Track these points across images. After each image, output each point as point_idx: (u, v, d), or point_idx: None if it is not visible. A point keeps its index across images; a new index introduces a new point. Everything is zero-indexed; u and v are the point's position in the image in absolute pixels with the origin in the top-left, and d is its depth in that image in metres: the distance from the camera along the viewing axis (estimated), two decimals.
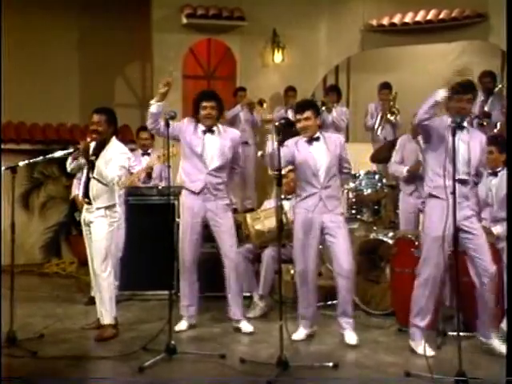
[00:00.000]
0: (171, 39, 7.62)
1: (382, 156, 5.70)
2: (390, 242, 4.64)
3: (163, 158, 4.95)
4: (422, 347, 3.63)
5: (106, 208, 4.14)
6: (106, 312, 4.14)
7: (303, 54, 7.94)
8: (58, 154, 4.14)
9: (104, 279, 4.11)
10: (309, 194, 4.05)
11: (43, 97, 7.46)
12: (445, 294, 3.89)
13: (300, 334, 4.12)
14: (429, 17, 7.54)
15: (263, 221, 4.76)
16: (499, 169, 4.18)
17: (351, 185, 5.26)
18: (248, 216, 4.91)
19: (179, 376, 3.46)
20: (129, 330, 4.34)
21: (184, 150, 4.32)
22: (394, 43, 7.82)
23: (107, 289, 4.12)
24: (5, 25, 7.07)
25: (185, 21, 7.61)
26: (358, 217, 5.24)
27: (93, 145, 4.24)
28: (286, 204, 4.94)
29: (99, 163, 4.12)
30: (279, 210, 4.07)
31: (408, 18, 7.64)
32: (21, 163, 4.04)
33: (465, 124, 3.67)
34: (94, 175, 4.09)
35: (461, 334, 3.36)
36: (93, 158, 4.12)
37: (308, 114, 4.03)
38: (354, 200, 5.25)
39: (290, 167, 4.42)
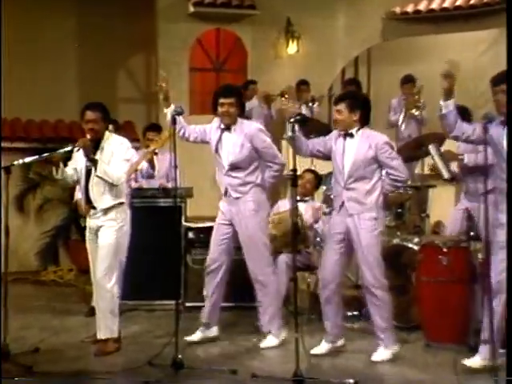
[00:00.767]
0: (177, 29, 7.65)
1: (406, 155, 5.63)
2: (416, 248, 4.57)
3: (160, 141, 4.91)
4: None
5: (113, 208, 4.13)
6: (107, 326, 4.11)
7: (319, 44, 7.92)
8: (57, 152, 4.12)
9: (108, 290, 4.08)
10: (335, 193, 4.04)
11: (40, 91, 7.51)
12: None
13: (321, 348, 4.07)
14: (458, 2, 7.46)
15: (277, 224, 4.74)
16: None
17: None
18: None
19: None
20: (132, 344, 4.32)
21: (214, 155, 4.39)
22: (418, 32, 7.77)
23: (110, 300, 4.09)
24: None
25: (192, 9, 7.63)
26: None
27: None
28: (302, 206, 4.93)
29: (101, 161, 4.12)
30: (294, 212, 4.05)
31: (435, 5, 7.58)
32: (16, 163, 4.02)
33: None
34: (98, 174, 4.08)
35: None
36: (93, 156, 4.10)
37: (341, 106, 3.96)
38: None
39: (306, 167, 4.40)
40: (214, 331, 4.39)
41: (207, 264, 4.35)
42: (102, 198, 4.14)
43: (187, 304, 5.09)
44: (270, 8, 7.74)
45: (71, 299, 5.75)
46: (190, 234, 5.30)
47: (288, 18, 7.83)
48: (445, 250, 4.17)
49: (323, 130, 5.09)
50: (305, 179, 5.13)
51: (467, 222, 4.37)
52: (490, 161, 3.53)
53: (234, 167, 4.25)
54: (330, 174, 4.40)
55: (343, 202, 3.95)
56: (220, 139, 4.28)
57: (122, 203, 4.17)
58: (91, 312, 4.68)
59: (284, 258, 4.75)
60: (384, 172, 3.99)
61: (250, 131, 4.27)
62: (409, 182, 5.21)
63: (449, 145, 4.94)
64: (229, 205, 4.27)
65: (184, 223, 5.24)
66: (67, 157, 4.19)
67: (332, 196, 4.15)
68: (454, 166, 4.88)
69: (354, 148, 3.95)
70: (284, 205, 5.12)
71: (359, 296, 4.46)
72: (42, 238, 7.30)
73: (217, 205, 4.43)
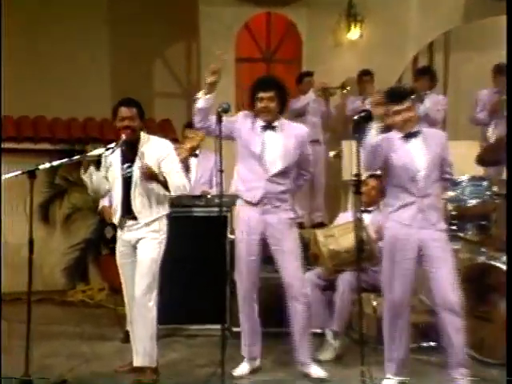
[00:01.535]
0: (222, 13, 7.73)
1: (492, 157, 5.50)
2: (504, 267, 4.47)
3: (198, 138, 5.07)
4: None
5: (157, 220, 4.20)
6: (146, 352, 4.14)
7: (386, 28, 7.82)
8: (87, 155, 4.16)
9: (149, 310, 4.11)
10: (404, 203, 3.97)
11: (66, 87, 7.70)
12: None
13: (387, 383, 4.05)
14: None
15: (338, 238, 4.76)
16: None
17: (451, 193, 5.12)
18: (318, 232, 4.91)
19: None
20: (172, 374, 4.35)
21: (240, 152, 4.35)
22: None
23: (150, 323, 4.12)
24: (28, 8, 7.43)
25: None
26: (461, 235, 5.04)
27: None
28: (367, 217, 4.90)
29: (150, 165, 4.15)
30: (358, 224, 4.04)
31: None
32: (41, 166, 4.06)
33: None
34: (173, 193, 4.14)
35: None
36: (141, 160, 4.12)
37: (409, 103, 3.97)
38: (454, 213, 5.09)
39: (373, 172, 4.38)
40: (258, 360, 4.45)
41: (239, 287, 4.36)
42: (147, 210, 4.19)
43: (234, 329, 5.08)
44: None
45: (103, 322, 5.83)
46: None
47: None
48: None
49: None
50: (369, 186, 5.08)
51: None
52: None
53: (282, 173, 4.29)
54: None
55: (419, 212, 3.92)
56: (261, 138, 4.29)
57: (163, 214, 4.25)
58: (126, 337, 4.74)
59: (346, 278, 4.73)
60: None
61: (300, 133, 4.36)
62: (494, 189, 5.11)
63: None
64: (262, 214, 4.27)
65: (229, 236, 5.24)
66: (98, 160, 4.25)
67: (397, 206, 4.06)
68: None
69: (423, 148, 3.97)
70: (345, 217, 5.09)
71: (435, 323, 4.37)
72: (70, 252, 7.45)
73: None
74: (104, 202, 5.34)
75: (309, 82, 7.42)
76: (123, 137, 4.14)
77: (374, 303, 4.89)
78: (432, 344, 4.71)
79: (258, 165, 4.28)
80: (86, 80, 7.77)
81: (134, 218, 4.19)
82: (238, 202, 4.39)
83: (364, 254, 4.35)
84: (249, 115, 4.36)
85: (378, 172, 5.31)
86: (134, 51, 7.91)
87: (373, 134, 3.91)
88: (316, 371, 4.29)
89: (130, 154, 4.20)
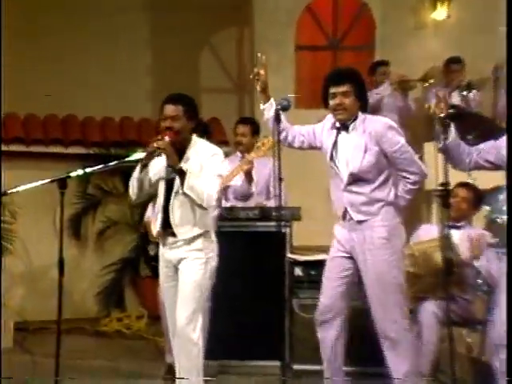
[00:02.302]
0: None
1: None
2: None
3: (264, 148, 5.00)
4: None
5: (200, 236, 4.21)
6: None
7: (479, 7, 7.69)
8: (126, 160, 4.18)
9: (194, 343, 4.12)
10: None
11: (100, 84, 7.83)
12: None
13: None
14: None
15: (418, 259, 4.69)
16: None
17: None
18: None
19: None
20: None
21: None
22: None
23: (196, 357, 4.13)
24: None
25: None
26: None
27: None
28: (455, 234, 4.79)
29: (188, 174, 4.14)
30: (445, 242, 3.95)
31: None
32: (72, 174, 4.07)
33: None
34: (185, 189, 4.15)
35: None
36: (179, 165, 4.12)
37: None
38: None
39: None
40: None
41: (319, 312, 4.35)
42: (186, 225, 4.20)
43: (295, 366, 5.07)
44: None
45: (142, 356, 5.87)
46: (297, 271, 5.29)
47: None
48: None
49: (486, 127, 4.92)
50: (459, 197, 4.96)
51: None
52: None
53: (357, 179, 4.24)
54: (497, 189, 4.25)
55: None
56: (335, 142, 4.30)
57: (209, 231, 4.26)
58: (169, 373, 4.77)
59: (431, 308, 4.62)
60: None
61: (375, 129, 4.25)
62: None
63: None
64: (349, 231, 4.27)
65: (289, 255, 5.25)
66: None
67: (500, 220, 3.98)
68: None
69: None
70: (428, 231, 4.99)
71: None
72: (104, 273, 7.53)
73: (332, 231, 4.42)
74: (150, 214, 5.39)
75: (383, 73, 7.32)
76: (166, 138, 4.14)
77: (469, 340, 4.79)
78: None
79: (335, 173, 4.31)
80: (121, 75, 7.90)
81: (173, 235, 4.22)
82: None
83: (453, 279, 4.25)
84: (331, 117, 4.37)
85: (469, 180, 5.22)
86: (177, 41, 8.04)
87: (453, 133, 3.81)
88: None
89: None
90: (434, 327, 4.58)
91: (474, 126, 5.11)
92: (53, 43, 7.65)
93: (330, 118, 4.36)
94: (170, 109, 4.19)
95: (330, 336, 4.30)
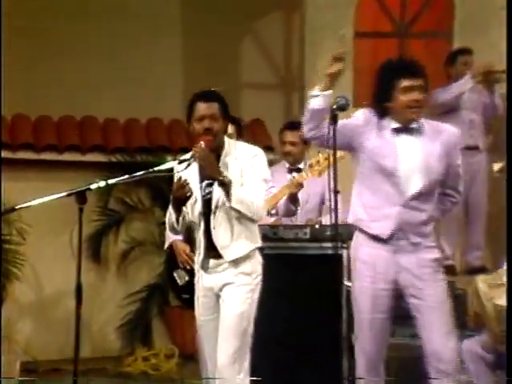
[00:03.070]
0: None
1: None
2: None
3: (319, 168, 4.98)
4: None
5: (248, 258, 4.22)
6: None
7: None
8: (154, 170, 4.12)
9: None
10: None
11: (123, 79, 7.83)
12: None
13: None
14: None
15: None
16: None
17: None
18: (480, 281, 4.81)
19: None
20: None
21: (362, 166, 4.32)
22: None
23: None
24: None
25: None
26: None
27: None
28: None
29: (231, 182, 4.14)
30: None
31: None
32: (93, 186, 4.05)
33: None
34: (233, 204, 4.07)
35: None
36: (224, 176, 4.10)
37: None
38: None
39: None
40: None
41: (364, 369, 4.31)
42: (232, 243, 4.20)
43: None
44: None
45: None
46: None
47: None
48: None
49: None
50: None
51: None
52: None
53: (423, 194, 4.24)
54: None
55: None
56: (394, 146, 4.28)
57: (255, 249, 4.28)
58: None
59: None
60: None
61: (448, 138, 4.30)
62: None
63: None
64: (394, 254, 4.25)
65: (347, 283, 5.11)
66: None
67: None
68: None
69: None
70: None
71: None
72: (128, 303, 7.54)
73: None
74: (176, 236, 5.32)
75: (465, 63, 7.13)
76: (202, 144, 4.13)
77: None
78: None
79: (388, 184, 4.23)
80: (147, 70, 7.92)
81: (218, 256, 4.22)
82: (357, 238, 4.36)
83: None
84: (373, 114, 4.31)
85: None
86: (212, 29, 8.05)
87: None
88: None
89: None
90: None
91: None
92: (68, 38, 7.74)
93: (366, 116, 4.29)
94: (206, 107, 4.20)
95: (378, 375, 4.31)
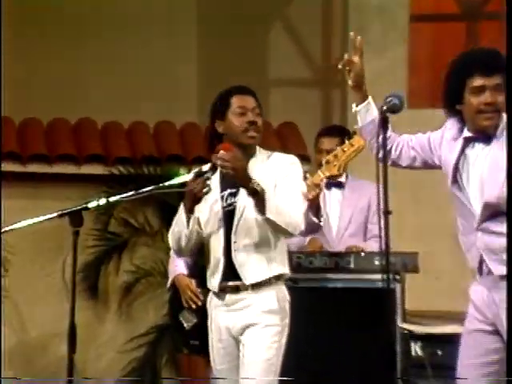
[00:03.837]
0: None
1: None
2: None
3: (338, 163, 5.04)
4: None
5: (274, 288, 4.24)
6: None
7: None
8: (167, 185, 4.19)
9: None
10: None
11: (126, 74, 7.93)
12: None
13: None
14: None
15: None
16: None
17: None
18: None
19: None
20: None
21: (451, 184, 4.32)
22: None
23: None
24: None
25: None
26: None
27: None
28: None
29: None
30: None
31: None
32: (91, 204, 4.10)
33: None
34: (269, 215, 4.09)
35: None
36: (256, 183, 4.11)
37: None
38: None
39: None
40: None
41: None
42: (256, 262, 4.25)
43: None
44: None
45: None
46: (415, 348, 5.25)
47: None
48: None
49: None
50: None
51: None
52: None
53: (495, 213, 4.20)
54: None
55: None
56: (465, 159, 4.26)
57: (281, 276, 4.30)
58: None
59: None
60: None
61: None
62: None
63: None
64: (489, 291, 4.22)
65: (401, 324, 5.22)
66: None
67: None
68: None
69: None
70: None
71: None
72: (132, 348, 7.57)
73: (465, 289, 4.38)
74: (178, 268, 5.44)
75: None
76: (223, 153, 4.11)
77: None
78: None
79: (464, 205, 4.24)
80: (155, 64, 7.98)
81: (237, 290, 4.24)
82: None
83: None
84: (456, 121, 4.28)
85: None
86: (234, 13, 8.12)
87: None
88: None
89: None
90: None
91: None
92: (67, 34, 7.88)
93: (450, 125, 4.30)
94: (248, 100, 4.33)
95: None
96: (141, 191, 4.20)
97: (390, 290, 4.97)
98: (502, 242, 4.16)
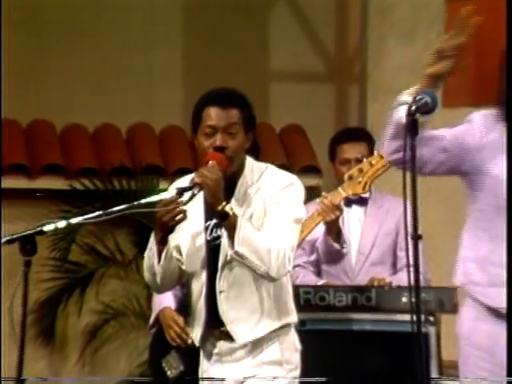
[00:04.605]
0: None
1: None
2: None
3: (363, 180, 5.14)
4: None
5: (277, 338, 4.26)
6: None
7: None
8: (139, 203, 4.11)
9: None
10: None
11: (94, 72, 8.01)
12: None
13: None
14: None
15: None
16: None
17: None
18: None
19: None
20: None
21: (478, 200, 4.28)
22: None
23: None
24: None
25: None
26: None
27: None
28: None
29: (245, 222, 4.14)
30: None
31: None
32: (47, 227, 4.01)
33: None
34: (237, 247, 4.05)
35: None
36: (223, 204, 4.06)
37: None
38: None
39: None
40: None
41: None
42: (249, 316, 4.25)
43: None
44: None
45: None
46: None
47: None
48: None
49: None
50: None
51: None
52: None
53: None
54: None
55: None
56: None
57: (286, 326, 4.31)
58: None
59: None
60: None
61: None
62: None
63: None
64: None
65: (436, 376, 5.25)
66: None
67: None
68: None
69: None
70: None
71: None
72: None
73: None
74: (164, 300, 5.48)
75: None
76: (212, 163, 4.13)
77: None
78: None
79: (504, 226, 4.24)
80: (133, 51, 8.09)
81: (226, 337, 4.27)
82: (471, 310, 4.36)
83: None
84: (498, 118, 4.23)
85: None
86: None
87: None
88: None
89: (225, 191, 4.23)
90: None
91: None
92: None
93: (484, 122, 4.26)
94: (219, 114, 4.25)
95: None
96: (110, 211, 4.14)
97: (422, 335, 4.96)
98: None
